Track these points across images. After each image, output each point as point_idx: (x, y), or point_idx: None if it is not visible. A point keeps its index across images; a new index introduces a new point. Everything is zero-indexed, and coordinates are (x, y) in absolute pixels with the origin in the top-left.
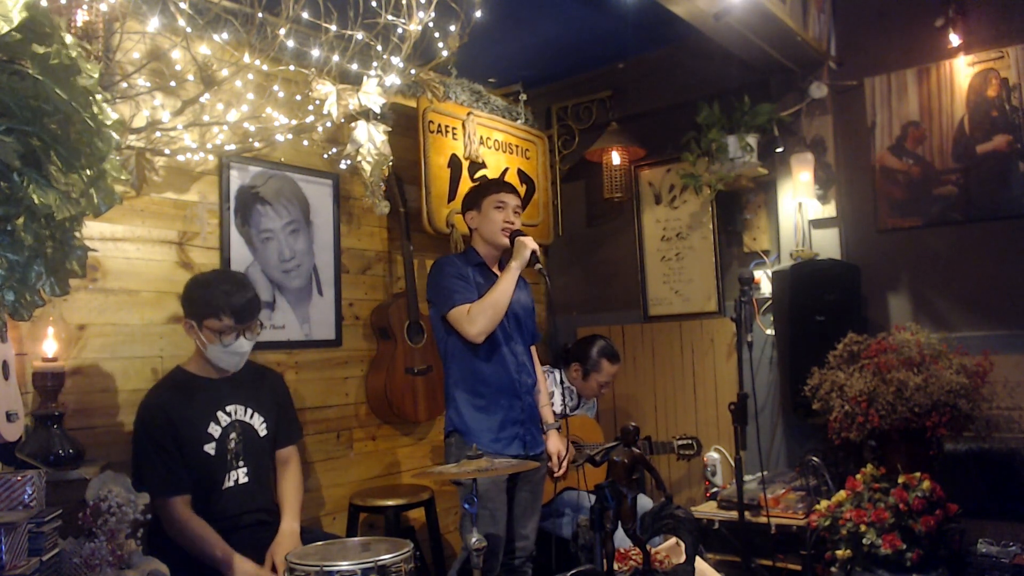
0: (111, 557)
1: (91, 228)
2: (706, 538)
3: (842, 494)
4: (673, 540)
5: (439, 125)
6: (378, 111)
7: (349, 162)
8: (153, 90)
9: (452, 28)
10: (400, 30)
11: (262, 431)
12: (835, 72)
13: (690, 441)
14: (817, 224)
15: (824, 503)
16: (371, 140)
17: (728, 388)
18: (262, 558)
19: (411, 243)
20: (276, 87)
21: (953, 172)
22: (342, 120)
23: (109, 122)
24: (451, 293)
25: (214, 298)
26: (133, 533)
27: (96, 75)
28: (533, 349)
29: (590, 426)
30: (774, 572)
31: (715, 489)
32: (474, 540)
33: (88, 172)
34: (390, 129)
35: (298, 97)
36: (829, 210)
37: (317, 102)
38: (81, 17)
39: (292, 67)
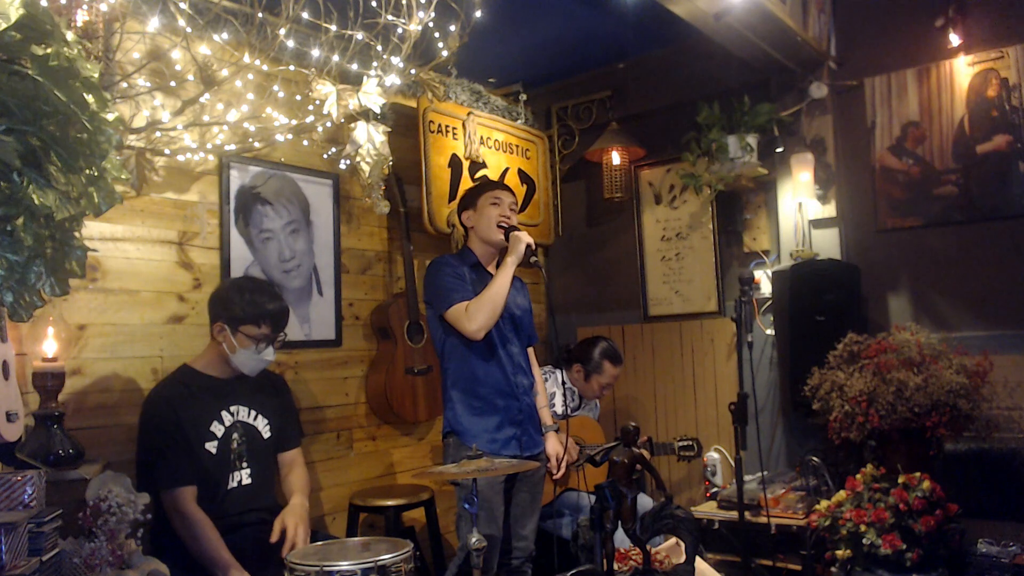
0: (111, 557)
1: (91, 228)
2: (706, 538)
3: (842, 494)
4: (673, 540)
5: (439, 125)
6: (378, 111)
7: (349, 162)
8: (153, 90)
9: (452, 28)
10: (400, 30)
11: (265, 433)
12: (835, 72)
13: (691, 442)
14: (817, 224)
15: (824, 503)
16: (371, 140)
17: (728, 388)
18: (264, 557)
19: (411, 243)
20: (276, 87)
21: (953, 172)
22: (342, 120)
23: (110, 119)
24: (448, 292)
25: (256, 306)
26: (133, 533)
27: (96, 74)
28: (531, 351)
29: (591, 427)
30: (774, 572)
31: (715, 489)
32: (474, 540)
33: (88, 172)
34: (390, 129)
35: (298, 97)
36: (829, 210)
37: (317, 102)
38: (81, 17)
39: (292, 67)
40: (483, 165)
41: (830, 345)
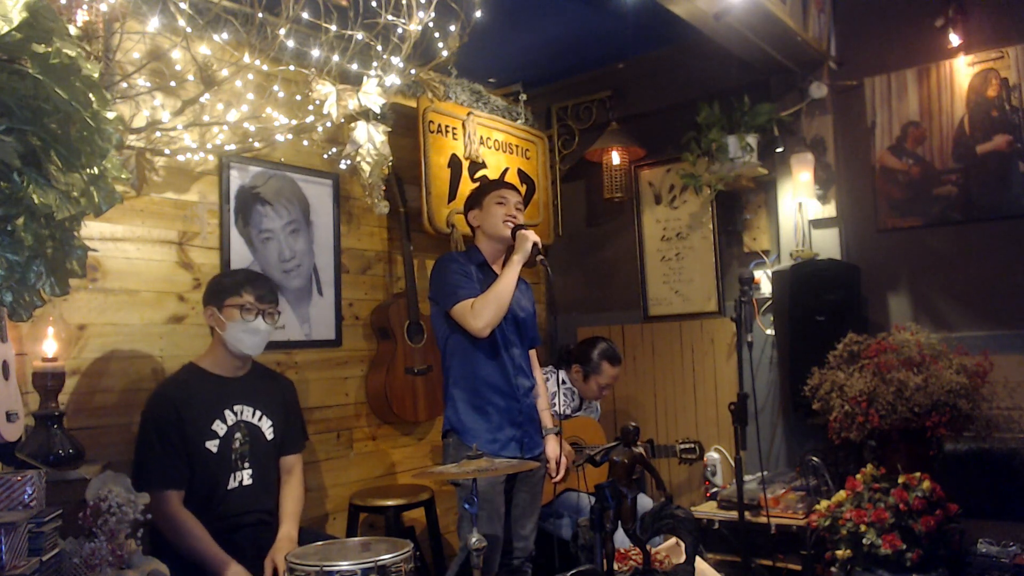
0: (111, 557)
1: (91, 228)
2: (706, 538)
3: (842, 494)
4: (673, 540)
5: (439, 125)
6: (378, 111)
7: (349, 162)
8: (153, 90)
9: (452, 28)
10: (400, 30)
11: (269, 435)
12: (835, 72)
13: (693, 445)
14: (817, 224)
15: (824, 503)
16: (371, 140)
17: (728, 388)
18: (262, 557)
19: (411, 243)
20: (276, 87)
21: (953, 172)
22: (342, 120)
23: (111, 117)
24: (455, 288)
25: (234, 278)
26: (133, 533)
27: (96, 73)
28: (533, 353)
29: (592, 427)
30: (774, 572)
31: (715, 489)
32: (474, 540)
33: (88, 171)
34: (390, 129)
35: (298, 97)
36: (829, 210)
37: (317, 102)
38: (81, 17)
39: (292, 67)
40: (483, 165)
41: (830, 345)
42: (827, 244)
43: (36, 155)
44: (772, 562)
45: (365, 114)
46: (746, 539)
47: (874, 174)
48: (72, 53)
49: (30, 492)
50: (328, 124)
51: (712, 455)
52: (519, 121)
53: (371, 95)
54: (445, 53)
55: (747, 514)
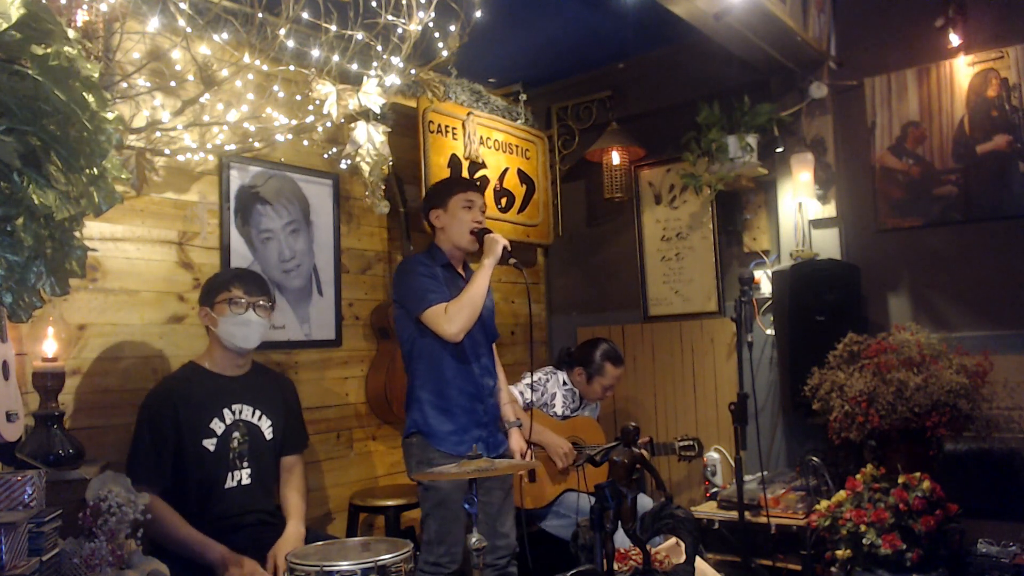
0: (111, 557)
1: (91, 228)
2: (706, 538)
3: (842, 494)
4: (673, 540)
5: (439, 125)
6: (378, 111)
7: (349, 162)
8: (153, 90)
9: (452, 28)
10: (400, 30)
11: (268, 434)
12: (835, 72)
13: (692, 442)
14: (817, 224)
15: (824, 503)
16: (371, 140)
17: (728, 388)
18: (262, 557)
19: (411, 243)
20: (276, 87)
21: (953, 172)
22: (342, 120)
23: (110, 118)
24: (425, 292)
25: (223, 275)
26: (133, 533)
27: (96, 73)
28: (494, 347)
29: (592, 427)
30: (774, 572)
31: (715, 489)
32: (474, 540)
33: (88, 171)
34: (390, 129)
35: (298, 97)
36: (829, 210)
37: (317, 102)
38: (81, 17)
39: (292, 67)
40: (483, 165)
41: (830, 345)
42: (827, 244)
43: (36, 155)
44: (772, 562)
45: (365, 114)
46: (746, 539)
47: (874, 174)
48: (72, 53)
49: (30, 492)
50: (328, 124)
51: (712, 455)
52: (519, 121)
53: (371, 95)
54: (445, 53)
55: (747, 514)
